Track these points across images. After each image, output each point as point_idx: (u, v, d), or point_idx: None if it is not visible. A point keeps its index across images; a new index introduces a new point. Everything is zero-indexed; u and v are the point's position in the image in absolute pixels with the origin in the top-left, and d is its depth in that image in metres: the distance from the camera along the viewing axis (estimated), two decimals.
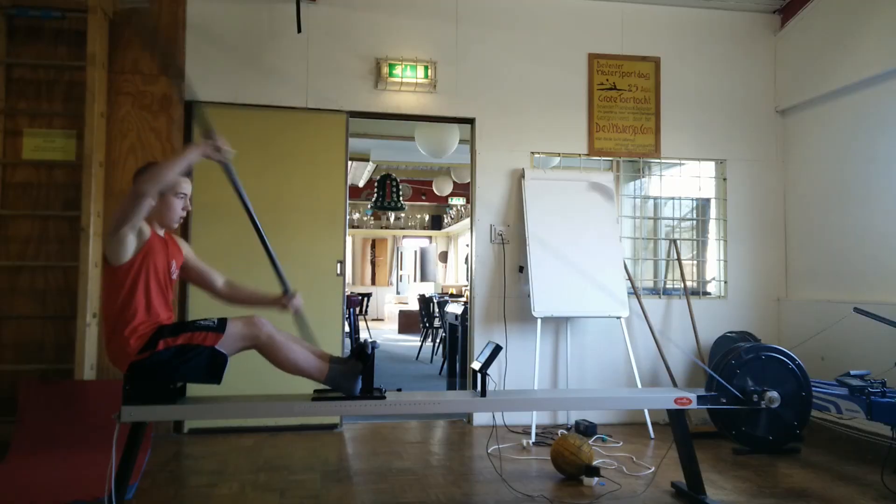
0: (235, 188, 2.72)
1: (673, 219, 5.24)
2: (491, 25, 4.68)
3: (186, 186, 2.72)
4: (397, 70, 4.47)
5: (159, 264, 2.62)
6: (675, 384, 4.55)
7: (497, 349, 2.87)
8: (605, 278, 4.38)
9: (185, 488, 3.12)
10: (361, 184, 11.47)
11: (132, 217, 2.42)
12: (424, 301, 9.05)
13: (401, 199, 9.87)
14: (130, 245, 2.51)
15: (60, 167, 4.05)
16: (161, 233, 2.72)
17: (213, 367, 2.54)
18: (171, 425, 4.15)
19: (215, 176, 4.22)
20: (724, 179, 4.93)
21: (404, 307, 13.53)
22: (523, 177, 4.56)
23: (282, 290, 2.86)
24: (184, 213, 2.73)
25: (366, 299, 11.01)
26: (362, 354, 2.73)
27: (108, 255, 2.53)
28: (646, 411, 4.39)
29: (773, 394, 2.92)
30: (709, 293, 4.98)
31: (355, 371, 2.71)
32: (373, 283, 15.47)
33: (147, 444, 3.60)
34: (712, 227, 5.01)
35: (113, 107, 4.13)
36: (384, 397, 2.72)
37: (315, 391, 2.79)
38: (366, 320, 11.42)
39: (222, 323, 2.58)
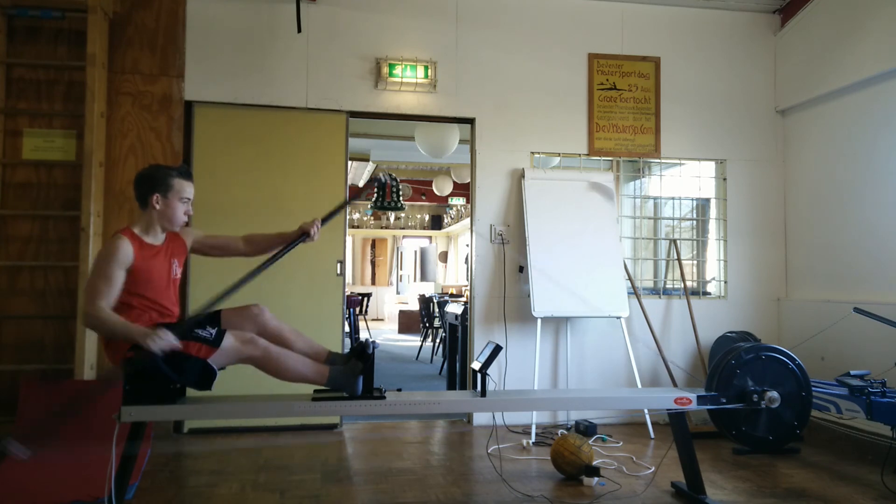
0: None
1: (673, 219, 5.24)
2: (491, 25, 4.68)
3: (189, 191, 2.72)
4: (397, 70, 4.46)
5: (155, 273, 2.62)
6: (675, 384, 4.55)
7: (497, 349, 2.87)
8: (605, 278, 4.38)
9: (185, 488, 3.12)
10: (361, 184, 11.46)
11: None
12: (424, 301, 9.05)
13: (401, 199, 9.86)
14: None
15: (60, 167, 4.05)
16: (160, 238, 2.71)
17: (203, 379, 2.54)
18: (171, 425, 4.14)
19: (216, 176, 4.24)
20: (724, 179, 4.93)
21: (404, 307, 13.53)
22: (523, 177, 4.56)
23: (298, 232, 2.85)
24: (185, 218, 2.73)
25: (366, 299, 11.01)
26: (362, 354, 2.73)
27: None
28: (646, 411, 4.39)
29: (773, 394, 2.93)
30: (709, 293, 4.98)
31: (355, 371, 2.71)
32: (373, 283, 15.47)
33: (147, 443, 3.60)
34: (712, 227, 5.01)
35: (113, 107, 4.13)
36: (384, 397, 2.72)
37: (315, 391, 2.79)
38: (366, 320, 11.43)
39: (219, 337, 2.55)
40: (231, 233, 4.11)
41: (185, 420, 4.12)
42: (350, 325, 8.18)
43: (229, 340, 2.57)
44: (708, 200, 5.06)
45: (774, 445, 3.09)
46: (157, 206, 2.65)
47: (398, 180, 9.87)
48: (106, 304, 2.47)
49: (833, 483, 3.33)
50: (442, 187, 11.10)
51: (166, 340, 2.41)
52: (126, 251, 2.54)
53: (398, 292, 15.49)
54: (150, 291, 2.61)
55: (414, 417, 4.70)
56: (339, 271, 4.43)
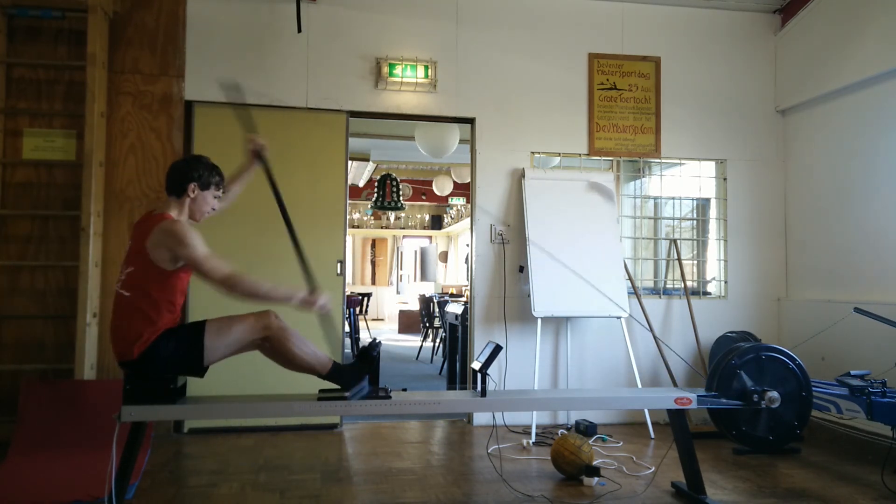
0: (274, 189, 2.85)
1: (673, 219, 5.24)
2: (491, 25, 4.68)
3: (220, 187, 2.75)
4: (397, 70, 4.46)
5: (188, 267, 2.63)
6: (675, 384, 4.55)
7: (497, 349, 2.87)
8: (606, 278, 4.38)
9: (185, 488, 3.12)
10: (361, 184, 11.47)
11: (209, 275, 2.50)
12: (424, 301, 9.05)
13: (401, 198, 9.87)
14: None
15: (60, 167, 4.05)
16: None
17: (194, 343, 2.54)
18: (171, 425, 4.14)
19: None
20: (725, 179, 4.92)
21: (404, 307, 13.53)
22: (523, 176, 4.56)
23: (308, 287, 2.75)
24: (210, 213, 2.76)
25: (366, 299, 11.01)
26: (367, 356, 2.73)
27: (159, 262, 2.51)
28: (646, 411, 4.39)
29: (774, 394, 2.92)
30: (709, 293, 4.98)
31: (361, 371, 2.71)
32: (373, 282, 15.46)
33: (147, 443, 3.60)
34: (712, 226, 5.00)
35: (113, 106, 4.13)
36: (389, 397, 2.72)
37: (320, 391, 2.79)
38: (366, 320, 11.42)
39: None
40: (231, 234, 4.17)
41: (185, 420, 4.12)
42: (350, 325, 8.17)
43: (245, 322, 2.58)
44: (708, 200, 5.06)
45: (775, 445, 3.09)
46: (192, 195, 2.65)
47: (399, 180, 9.87)
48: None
49: (833, 483, 3.33)
50: (442, 187, 11.10)
51: (328, 299, 2.60)
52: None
53: (398, 292, 15.48)
54: (178, 287, 2.60)
55: (414, 417, 4.70)
56: (339, 271, 4.43)
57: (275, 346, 2.64)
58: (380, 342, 2.81)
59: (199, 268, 2.48)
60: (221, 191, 2.77)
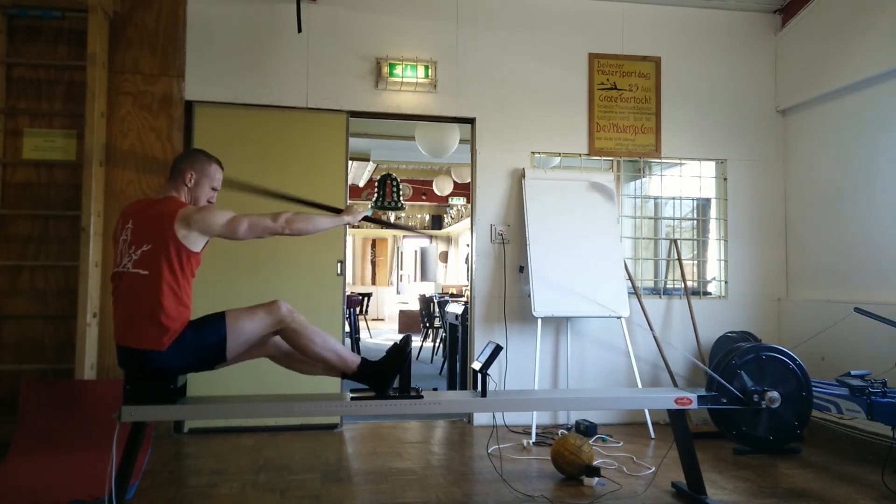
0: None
1: (673, 219, 5.24)
2: (491, 25, 4.68)
3: (219, 182, 2.77)
4: (397, 70, 4.46)
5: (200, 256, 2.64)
6: (675, 384, 4.55)
7: (497, 349, 2.87)
8: (606, 278, 4.37)
9: (185, 488, 3.12)
10: (361, 184, 11.46)
11: (241, 236, 2.57)
12: (425, 301, 9.06)
13: (401, 198, 9.86)
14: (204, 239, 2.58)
15: (60, 167, 4.05)
16: None
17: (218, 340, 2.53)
18: (172, 425, 4.14)
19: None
20: (725, 179, 4.92)
21: (404, 307, 13.53)
22: (523, 176, 4.56)
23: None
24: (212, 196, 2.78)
25: (366, 299, 11.01)
26: (398, 354, 2.73)
27: (187, 241, 2.50)
28: (646, 411, 4.39)
29: (774, 394, 2.92)
30: (709, 293, 4.98)
31: (393, 371, 2.72)
32: (373, 282, 15.47)
33: (147, 443, 3.60)
34: (713, 226, 5.00)
35: (113, 106, 4.13)
36: (422, 396, 2.73)
37: (352, 391, 2.80)
38: (366, 320, 11.43)
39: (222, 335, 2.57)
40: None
41: (185, 420, 4.12)
42: (350, 325, 8.17)
43: (256, 315, 2.58)
44: (708, 200, 5.06)
45: (775, 445, 3.09)
46: (189, 185, 2.67)
47: (399, 180, 9.87)
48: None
49: (833, 483, 3.33)
50: (442, 187, 11.10)
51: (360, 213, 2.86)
52: None
53: (398, 292, 15.48)
54: (191, 277, 2.59)
55: (414, 417, 4.70)
56: (339, 271, 4.43)
57: (289, 340, 2.64)
58: (410, 337, 2.83)
59: (240, 225, 2.53)
60: (221, 173, 2.78)
